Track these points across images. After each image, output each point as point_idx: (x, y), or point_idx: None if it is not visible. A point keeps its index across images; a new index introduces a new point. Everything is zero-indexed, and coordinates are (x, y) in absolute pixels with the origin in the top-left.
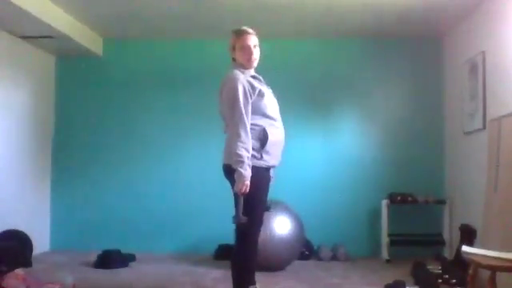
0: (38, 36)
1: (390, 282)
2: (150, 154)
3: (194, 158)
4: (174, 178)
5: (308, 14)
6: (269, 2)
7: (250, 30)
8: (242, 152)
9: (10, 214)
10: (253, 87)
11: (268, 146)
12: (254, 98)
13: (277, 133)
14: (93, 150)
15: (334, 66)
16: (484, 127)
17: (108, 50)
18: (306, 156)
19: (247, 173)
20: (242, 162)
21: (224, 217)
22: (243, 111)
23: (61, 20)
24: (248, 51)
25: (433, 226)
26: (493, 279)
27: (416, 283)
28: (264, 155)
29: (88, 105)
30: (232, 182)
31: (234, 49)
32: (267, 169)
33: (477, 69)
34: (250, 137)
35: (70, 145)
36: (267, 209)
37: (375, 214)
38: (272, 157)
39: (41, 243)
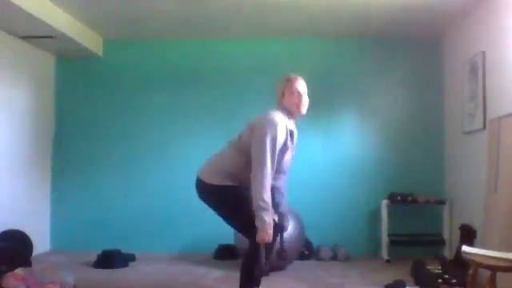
0: (38, 36)
1: (390, 282)
2: (150, 153)
3: (193, 157)
4: (175, 177)
5: (308, 13)
6: (269, 1)
7: (300, 78)
8: (268, 199)
9: (10, 214)
10: (285, 141)
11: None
12: (281, 148)
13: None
14: (93, 150)
15: (334, 66)
16: (484, 127)
17: (108, 50)
18: (306, 156)
19: (271, 220)
20: (267, 209)
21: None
22: (275, 157)
23: (61, 20)
24: (298, 96)
25: (433, 226)
26: (493, 279)
27: (416, 283)
28: (238, 183)
29: (88, 105)
30: (213, 203)
31: (283, 94)
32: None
33: (477, 69)
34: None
35: (69, 145)
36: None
37: (375, 214)
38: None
39: (41, 243)
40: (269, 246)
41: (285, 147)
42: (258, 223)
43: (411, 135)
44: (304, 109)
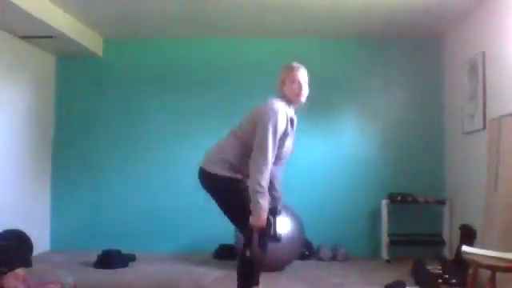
0: (38, 36)
1: (390, 282)
2: (150, 153)
3: (194, 157)
4: (174, 177)
5: (309, 13)
6: (269, 1)
7: (302, 67)
8: (265, 184)
9: (9, 214)
10: (286, 128)
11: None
12: (281, 135)
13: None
14: (93, 150)
15: (334, 66)
16: (484, 127)
17: (108, 50)
18: (306, 156)
19: (266, 205)
20: (263, 193)
21: (224, 217)
22: (276, 144)
23: (61, 20)
24: (299, 85)
25: (433, 226)
26: (493, 279)
27: (416, 283)
28: (238, 173)
29: (88, 105)
30: (214, 192)
31: (283, 83)
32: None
33: (477, 69)
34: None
35: (69, 145)
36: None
37: (375, 214)
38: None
39: (41, 243)
40: (263, 233)
41: (285, 134)
42: (252, 206)
43: (411, 135)
44: (303, 98)
